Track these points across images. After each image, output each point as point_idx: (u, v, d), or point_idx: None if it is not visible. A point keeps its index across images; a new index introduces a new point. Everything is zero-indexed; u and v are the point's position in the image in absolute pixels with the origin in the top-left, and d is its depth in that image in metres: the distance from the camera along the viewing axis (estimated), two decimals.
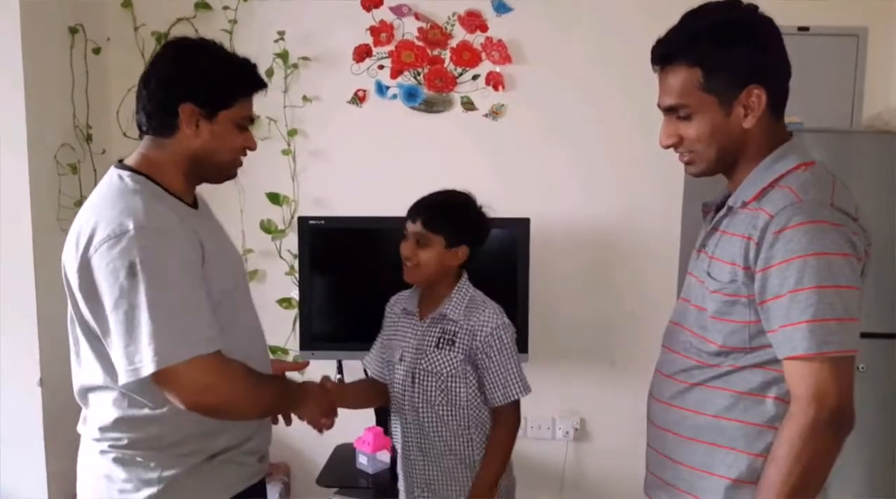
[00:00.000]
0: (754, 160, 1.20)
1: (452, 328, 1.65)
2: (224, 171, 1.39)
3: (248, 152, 1.41)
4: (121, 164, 1.34)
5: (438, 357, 1.65)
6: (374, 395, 1.81)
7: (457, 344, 1.64)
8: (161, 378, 1.18)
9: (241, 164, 1.41)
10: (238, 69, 1.36)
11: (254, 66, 1.39)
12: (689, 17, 1.20)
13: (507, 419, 1.66)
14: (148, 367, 1.16)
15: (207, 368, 1.20)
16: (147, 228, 1.20)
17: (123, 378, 1.19)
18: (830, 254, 1.09)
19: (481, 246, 1.71)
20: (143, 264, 1.17)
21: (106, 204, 1.25)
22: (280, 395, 1.42)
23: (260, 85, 1.39)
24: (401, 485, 1.80)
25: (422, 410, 1.67)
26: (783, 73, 1.20)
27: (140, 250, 1.18)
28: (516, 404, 1.67)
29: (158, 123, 1.31)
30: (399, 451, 1.77)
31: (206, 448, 1.33)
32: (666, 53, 1.20)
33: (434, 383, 1.65)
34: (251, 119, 1.40)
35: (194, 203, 1.40)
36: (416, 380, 1.66)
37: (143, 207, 1.22)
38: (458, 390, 1.65)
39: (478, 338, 1.63)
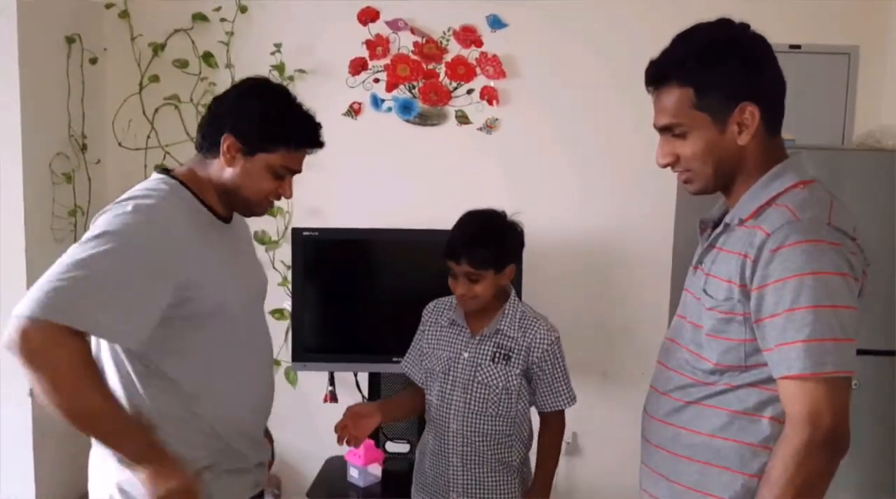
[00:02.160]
0: (752, 177, 1.21)
1: (508, 343, 1.72)
2: (249, 208, 1.43)
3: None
4: (163, 170, 1.40)
5: (494, 371, 1.72)
6: (420, 402, 1.86)
7: (512, 360, 1.72)
8: (22, 322, 1.16)
9: (271, 205, 1.44)
10: (292, 120, 1.38)
11: (315, 125, 1.41)
12: (681, 38, 1.22)
13: (556, 425, 1.79)
14: (25, 308, 1.15)
15: (49, 329, 1.15)
16: (141, 212, 1.25)
17: (14, 311, 1.17)
18: (827, 273, 1.09)
19: (522, 254, 1.81)
20: (113, 235, 1.21)
21: (134, 188, 1.34)
22: (121, 424, 1.24)
23: (312, 143, 1.41)
24: (417, 491, 1.84)
25: (469, 420, 1.72)
26: (777, 90, 1.21)
27: (121, 224, 1.23)
28: (563, 412, 1.79)
29: (206, 144, 1.38)
30: (429, 456, 1.80)
31: (203, 457, 1.34)
32: (658, 75, 1.21)
33: (488, 396, 1.71)
34: (294, 171, 1.42)
35: (229, 218, 1.45)
36: (469, 392, 1.72)
37: (156, 198, 1.29)
38: (510, 403, 1.73)
39: (534, 353, 1.72)
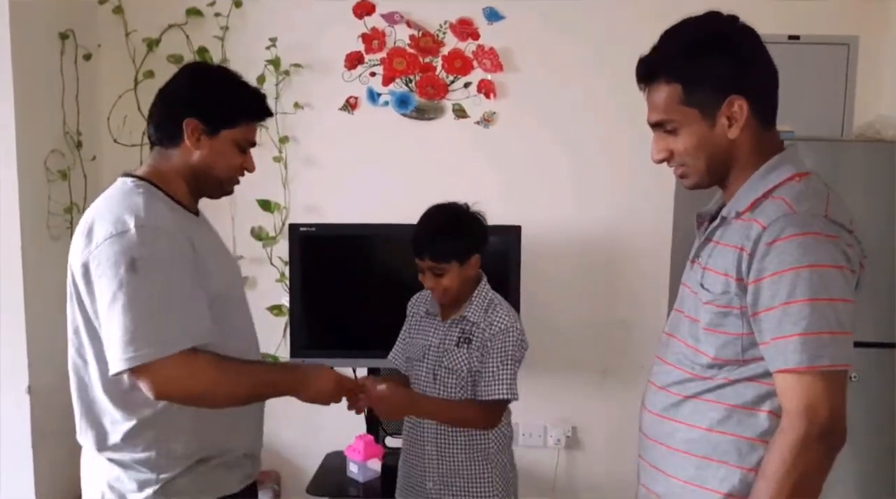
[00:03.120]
0: (747, 170, 1.20)
1: (470, 328, 1.74)
2: (221, 185, 1.47)
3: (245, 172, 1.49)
4: (127, 173, 1.42)
5: (458, 355, 1.74)
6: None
7: (473, 343, 1.73)
8: (136, 372, 1.25)
9: (237, 182, 1.49)
10: (247, 94, 1.45)
11: (263, 96, 1.47)
12: (668, 34, 1.22)
13: (487, 414, 1.72)
14: (128, 362, 1.23)
15: (173, 363, 1.25)
16: (147, 227, 1.28)
17: (114, 368, 1.25)
18: (824, 266, 1.09)
19: (487, 243, 1.79)
20: (144, 261, 1.25)
21: (109, 204, 1.34)
22: (267, 379, 1.43)
23: (265, 113, 1.47)
24: (401, 480, 1.86)
25: None
26: (767, 82, 1.20)
27: (140, 247, 1.26)
28: (500, 404, 1.73)
29: (165, 135, 1.41)
30: (406, 446, 1.84)
31: (199, 451, 1.37)
32: (647, 72, 1.22)
33: (454, 381, 1.74)
34: (252, 143, 1.47)
35: (197, 212, 1.49)
36: (438, 378, 1.75)
37: (143, 206, 1.30)
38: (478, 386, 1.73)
39: (486, 334, 1.72)
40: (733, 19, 1.20)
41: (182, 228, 1.35)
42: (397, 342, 1.93)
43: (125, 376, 1.27)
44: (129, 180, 1.38)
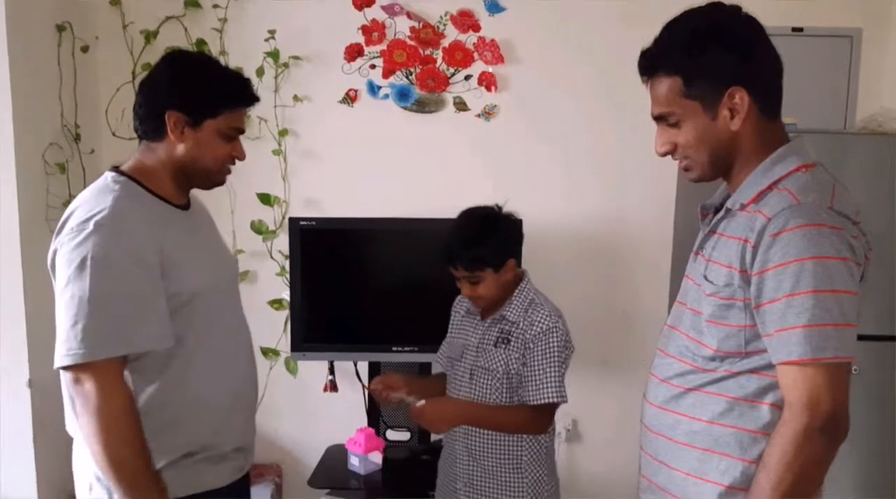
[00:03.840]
0: (752, 162, 1.20)
1: (509, 328, 1.70)
2: (210, 177, 1.44)
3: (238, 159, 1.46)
4: (113, 167, 1.40)
5: (495, 355, 1.70)
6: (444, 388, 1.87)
7: (512, 343, 1.69)
8: (71, 370, 1.25)
9: (228, 172, 1.46)
10: (227, 81, 1.41)
11: (246, 81, 1.43)
12: (669, 27, 1.21)
13: (536, 418, 1.68)
14: (61, 359, 1.24)
15: (100, 369, 1.24)
16: (106, 226, 1.26)
17: (55, 363, 1.25)
18: (828, 258, 1.08)
19: (522, 244, 1.76)
20: (95, 260, 1.24)
21: (83, 200, 1.34)
22: (133, 485, 1.27)
23: (249, 99, 1.43)
24: (439, 479, 1.85)
25: None
26: (769, 74, 1.19)
27: (95, 246, 1.25)
28: (549, 407, 1.69)
29: (148, 128, 1.39)
30: (445, 444, 1.82)
31: (184, 446, 1.36)
32: (648, 65, 1.21)
33: (489, 381, 1.70)
34: (240, 130, 1.44)
35: (187, 205, 1.46)
36: (474, 377, 1.72)
37: (111, 204, 1.29)
38: (512, 389, 1.70)
39: (527, 335, 1.67)
40: (735, 9, 1.18)
41: (156, 226, 1.34)
42: (443, 343, 1.91)
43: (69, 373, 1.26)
44: (110, 175, 1.37)
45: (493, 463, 1.71)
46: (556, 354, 1.66)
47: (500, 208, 1.74)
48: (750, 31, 1.18)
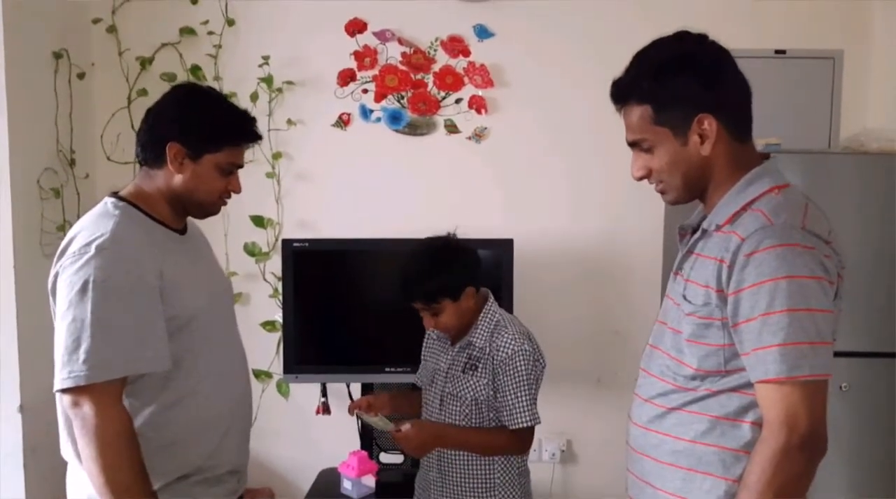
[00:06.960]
0: (725, 184, 1.22)
1: (477, 354, 1.70)
2: (204, 208, 1.47)
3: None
4: (113, 193, 1.43)
5: (464, 381, 1.70)
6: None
7: (479, 369, 1.69)
8: (70, 394, 1.26)
9: (224, 204, 1.49)
10: (231, 118, 1.44)
11: (251, 120, 1.46)
12: (638, 56, 1.25)
13: (516, 441, 1.70)
14: (62, 382, 1.25)
15: (97, 391, 1.25)
16: (108, 250, 1.29)
17: (55, 386, 1.28)
18: (802, 277, 1.10)
19: (479, 271, 1.75)
20: (97, 284, 1.26)
21: (84, 225, 1.36)
22: (135, 495, 1.28)
23: (251, 137, 1.46)
24: None
25: None
26: (736, 99, 1.22)
27: (97, 270, 1.27)
28: (526, 430, 1.69)
29: (149, 155, 1.42)
30: (420, 468, 1.83)
31: (179, 468, 1.37)
32: (619, 94, 1.25)
33: (459, 408, 1.70)
34: (238, 166, 1.47)
35: (184, 229, 1.49)
36: (444, 403, 1.72)
37: (112, 229, 1.32)
38: (481, 415, 1.70)
39: (495, 361, 1.67)
40: (702, 38, 1.22)
41: (156, 250, 1.36)
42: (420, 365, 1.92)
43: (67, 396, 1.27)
44: (109, 200, 1.40)
45: (465, 484, 1.71)
46: (524, 377, 1.67)
47: (453, 236, 1.74)
48: (715, 59, 1.21)
